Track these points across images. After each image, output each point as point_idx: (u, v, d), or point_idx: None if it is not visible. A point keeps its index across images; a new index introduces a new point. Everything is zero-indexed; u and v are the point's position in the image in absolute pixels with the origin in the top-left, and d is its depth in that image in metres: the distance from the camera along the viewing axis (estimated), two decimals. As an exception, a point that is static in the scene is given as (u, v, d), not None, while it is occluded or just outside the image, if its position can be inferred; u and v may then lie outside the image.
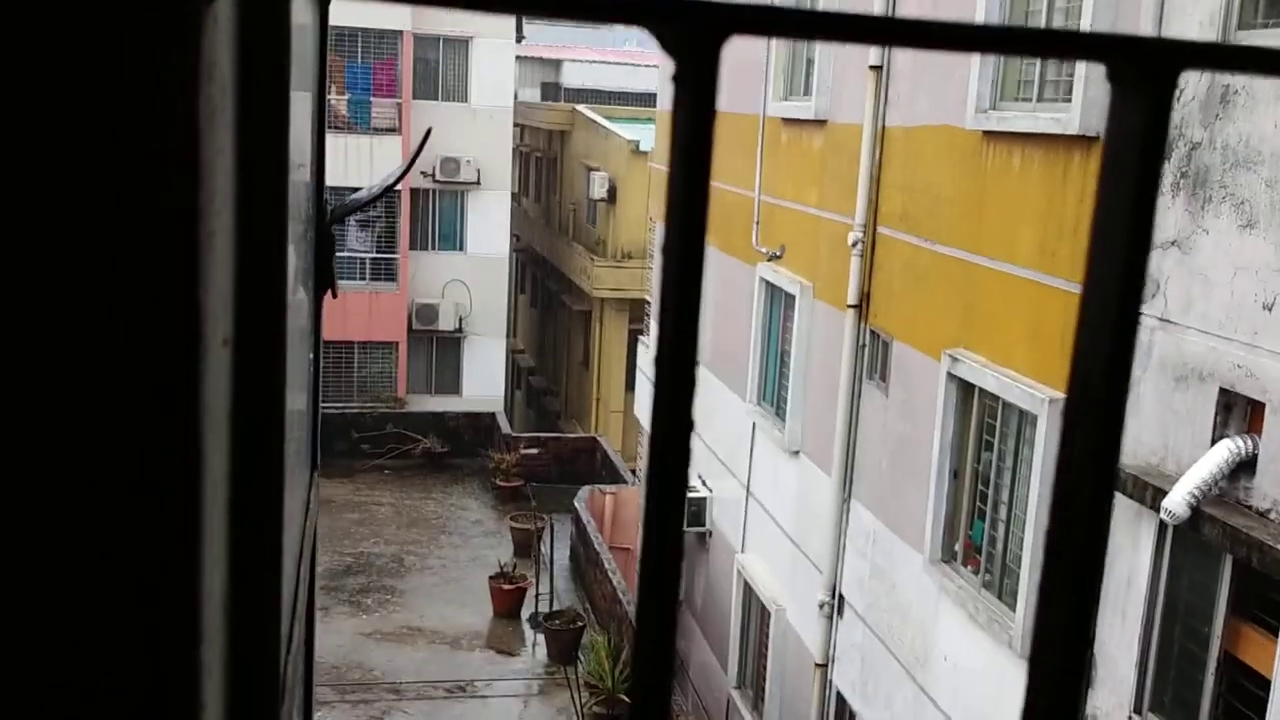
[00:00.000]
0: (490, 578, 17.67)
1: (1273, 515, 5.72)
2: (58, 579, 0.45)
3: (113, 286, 0.43)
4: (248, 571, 0.64)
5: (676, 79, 0.50)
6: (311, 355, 1.58)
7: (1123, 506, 6.72)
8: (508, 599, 17.45)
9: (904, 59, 9.65)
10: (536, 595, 17.39)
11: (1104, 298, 0.51)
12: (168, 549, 0.46)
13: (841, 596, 10.68)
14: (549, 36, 43.75)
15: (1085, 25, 7.12)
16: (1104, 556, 0.52)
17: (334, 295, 1.67)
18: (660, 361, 0.49)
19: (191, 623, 0.47)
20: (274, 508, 0.68)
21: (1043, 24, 7.85)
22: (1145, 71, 0.49)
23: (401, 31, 24.99)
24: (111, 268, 0.43)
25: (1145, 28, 6.59)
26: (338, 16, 26.29)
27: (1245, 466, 5.87)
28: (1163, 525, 6.32)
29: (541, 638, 16.68)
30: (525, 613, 17.52)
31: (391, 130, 25.20)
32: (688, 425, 0.50)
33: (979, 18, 8.29)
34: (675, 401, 0.48)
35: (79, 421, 0.43)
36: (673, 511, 0.52)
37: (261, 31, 0.60)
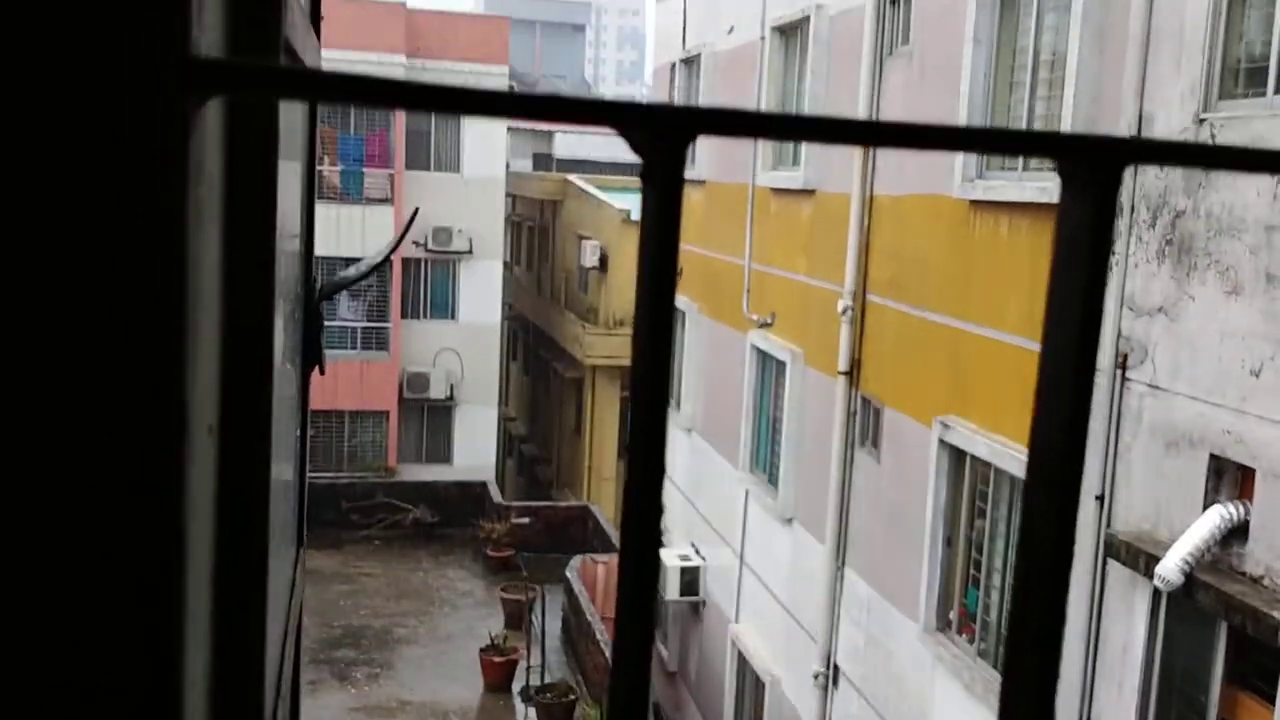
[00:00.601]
0: (481, 650, 17.45)
1: (1266, 581, 5.70)
2: (40, 668, 0.46)
3: (96, 380, 0.44)
4: (231, 658, 0.64)
5: (643, 176, 0.52)
6: (299, 431, 1.60)
7: (1116, 573, 6.70)
8: (499, 671, 17.22)
9: (890, 130, 9.80)
10: (528, 667, 17.16)
11: (1058, 384, 0.52)
12: (148, 638, 0.46)
13: (836, 666, 10.57)
14: (541, 108, 44.24)
15: (1068, 96, 7.25)
16: (1065, 609, 0.54)
17: (321, 372, 1.68)
18: (632, 460, 0.50)
19: (173, 711, 0.47)
20: (258, 594, 0.69)
21: (1026, 97, 8.00)
22: (1091, 168, 0.52)
23: (395, 104, 25.28)
24: (95, 362, 0.44)
25: (1128, 100, 6.71)
26: (332, 90, 26.53)
27: (1237, 532, 5.87)
28: (1156, 592, 6.29)
29: (533, 711, 16.42)
30: (516, 685, 17.27)
31: (384, 200, 25.41)
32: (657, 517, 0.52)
33: (963, 94, 8.45)
34: (645, 517, 0.49)
35: (61, 514, 0.45)
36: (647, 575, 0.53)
37: (250, 133, 0.62)
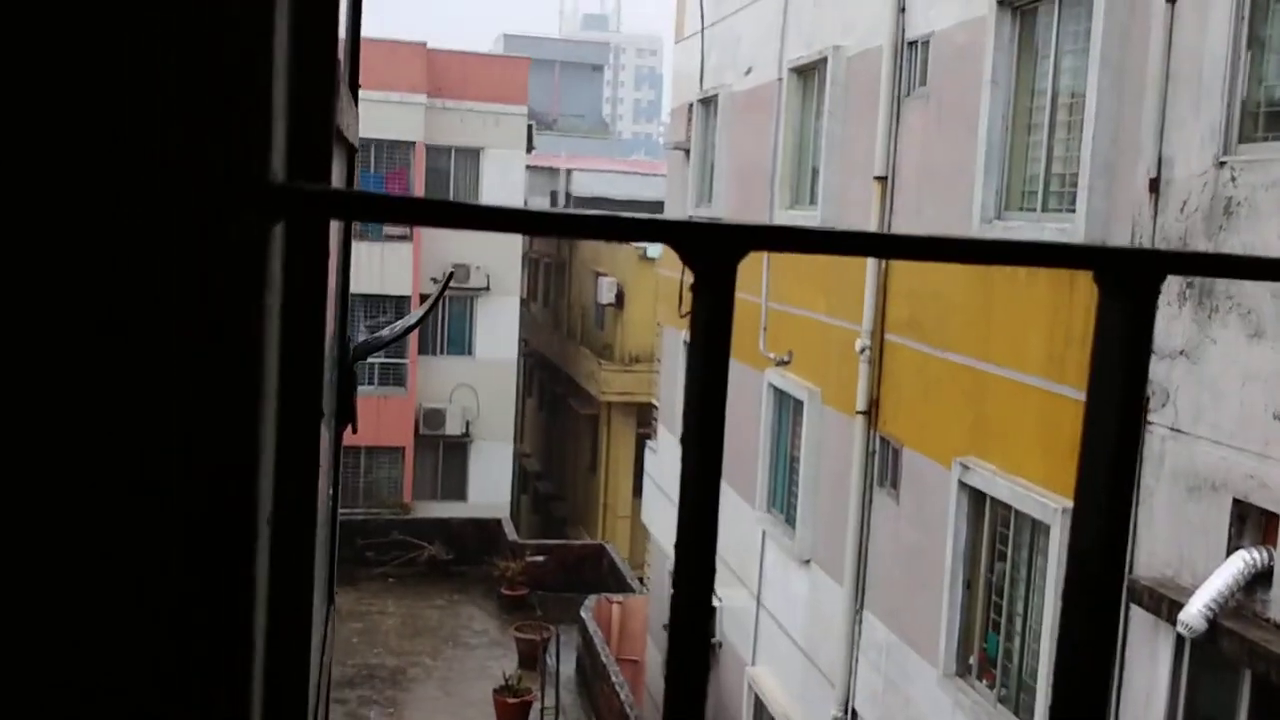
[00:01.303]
0: (494, 690, 17.35)
1: (1291, 629, 5.64)
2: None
3: (178, 475, 0.46)
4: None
5: (695, 289, 0.54)
6: (332, 490, 1.62)
7: (1139, 619, 6.64)
8: (512, 713, 17.10)
9: (909, 169, 9.84)
10: (542, 709, 17.04)
11: (1095, 490, 0.54)
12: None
13: (854, 711, 10.46)
14: (559, 146, 44.66)
15: (1087, 138, 7.27)
16: (1115, 652, 0.55)
17: (354, 431, 1.71)
18: (679, 558, 0.51)
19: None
20: (300, 681, 0.70)
21: (1044, 139, 8.02)
22: (1128, 279, 0.53)
23: (414, 142, 25.55)
24: (180, 458, 0.46)
25: (1147, 143, 6.73)
26: (353, 129, 26.69)
27: (1262, 578, 5.81)
28: (1180, 639, 6.23)
29: (548, 751, 16.30)
30: (531, 725, 17.15)
31: (403, 238, 25.59)
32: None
33: (981, 135, 8.48)
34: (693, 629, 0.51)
35: (147, 602, 0.46)
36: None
37: (304, 247, 0.64)
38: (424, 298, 26.08)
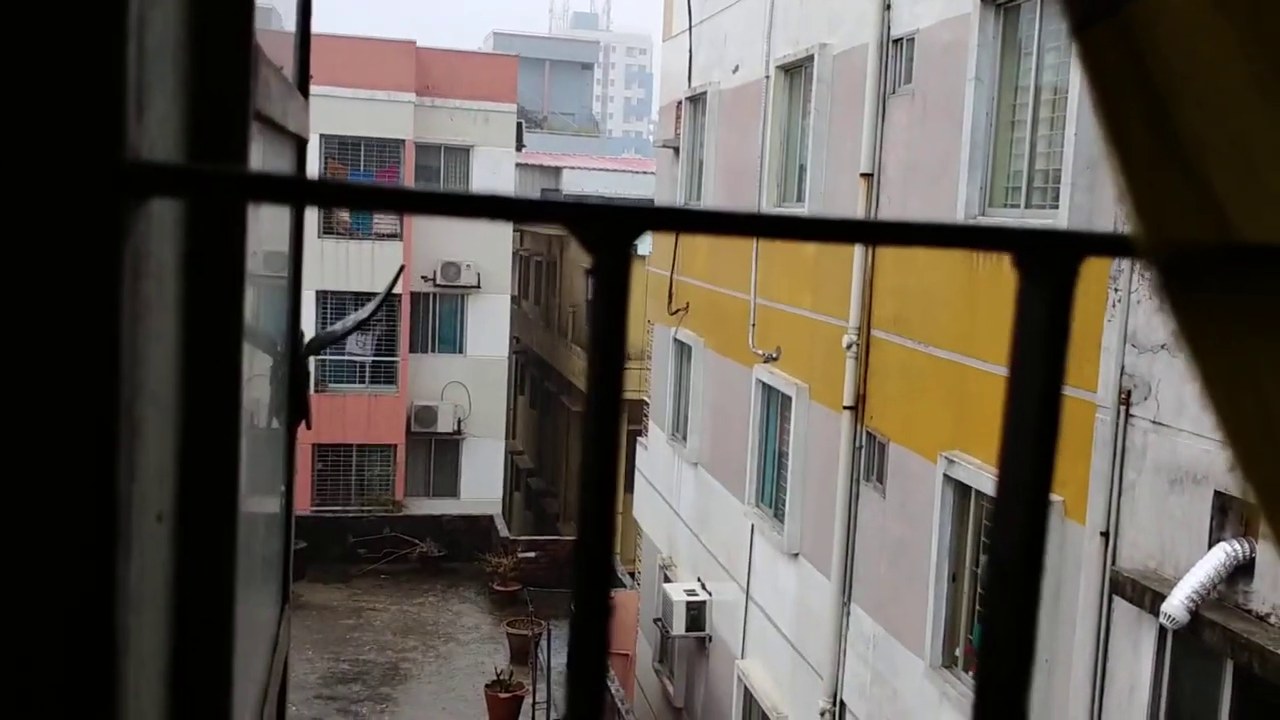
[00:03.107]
0: (486, 686, 17.35)
1: (1272, 619, 5.65)
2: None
3: (27, 473, 0.44)
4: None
5: (591, 273, 0.52)
6: (284, 487, 1.59)
7: (1122, 611, 6.65)
8: (504, 708, 17.10)
9: (894, 165, 9.83)
10: (534, 704, 17.05)
11: (1016, 479, 0.52)
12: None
13: (843, 703, 10.47)
14: (549, 145, 44.62)
15: (1070, 134, 7.27)
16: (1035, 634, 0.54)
17: (308, 426, 1.68)
18: (578, 553, 0.50)
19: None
20: (222, 675, 0.68)
21: (1027, 135, 8.02)
22: (1047, 261, 0.51)
23: (404, 140, 25.49)
24: (25, 455, 0.44)
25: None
26: (341, 125, 26.59)
27: (1243, 570, 5.82)
28: (1163, 630, 6.24)
29: (539, 748, 16.30)
30: (522, 722, 17.15)
31: (393, 236, 25.53)
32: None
33: (965, 132, 8.48)
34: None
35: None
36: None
37: (211, 228, 0.62)
38: (415, 295, 26.04)
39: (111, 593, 0.45)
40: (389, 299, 25.17)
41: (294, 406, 1.54)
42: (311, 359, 1.98)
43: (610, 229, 0.48)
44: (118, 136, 0.45)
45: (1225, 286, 0.49)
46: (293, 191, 0.43)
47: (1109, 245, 0.53)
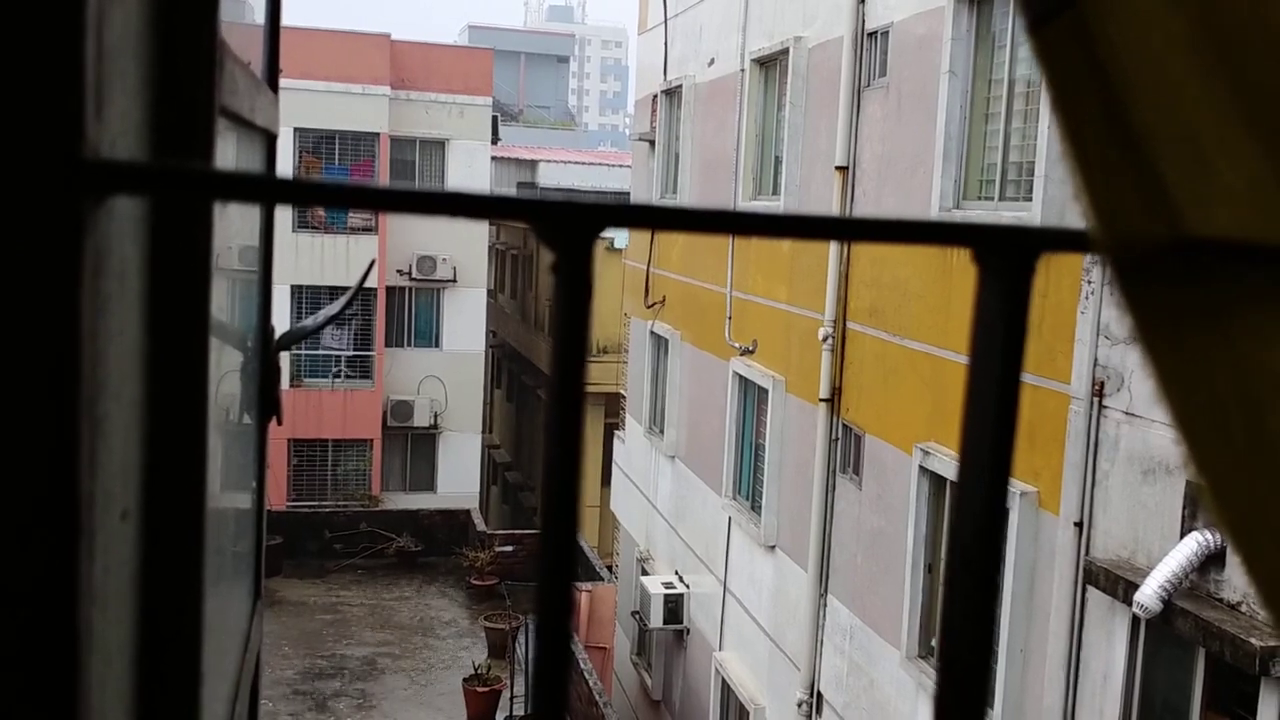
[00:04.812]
0: (464, 680, 17.33)
1: (1243, 608, 5.72)
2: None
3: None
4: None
5: (554, 269, 0.52)
6: (255, 483, 1.59)
7: (1095, 600, 6.71)
8: (482, 702, 17.09)
9: (869, 158, 9.87)
10: (511, 697, 17.05)
11: (977, 468, 0.53)
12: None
13: (820, 694, 10.53)
14: (525, 138, 44.49)
15: (1044, 127, 7.32)
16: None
17: (279, 423, 1.68)
18: (544, 546, 0.50)
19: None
20: (191, 670, 0.68)
21: (1001, 128, 8.06)
22: (1005, 256, 0.52)
23: (379, 134, 25.37)
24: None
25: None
26: (315, 119, 26.42)
27: (1215, 559, 5.89)
28: (1136, 619, 6.30)
29: (517, 741, 16.30)
30: (500, 716, 17.15)
31: (367, 230, 25.41)
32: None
33: (939, 124, 8.51)
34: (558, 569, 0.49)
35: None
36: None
37: (175, 225, 0.62)
38: (390, 290, 25.94)
39: (74, 590, 0.45)
40: (361, 293, 25.06)
41: (265, 402, 1.54)
42: (284, 354, 1.97)
43: (571, 225, 0.48)
44: (76, 134, 0.44)
45: (1178, 281, 0.49)
46: (254, 189, 0.43)
47: (1066, 241, 0.54)
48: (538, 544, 0.50)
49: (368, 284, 24.87)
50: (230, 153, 1.10)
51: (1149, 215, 0.49)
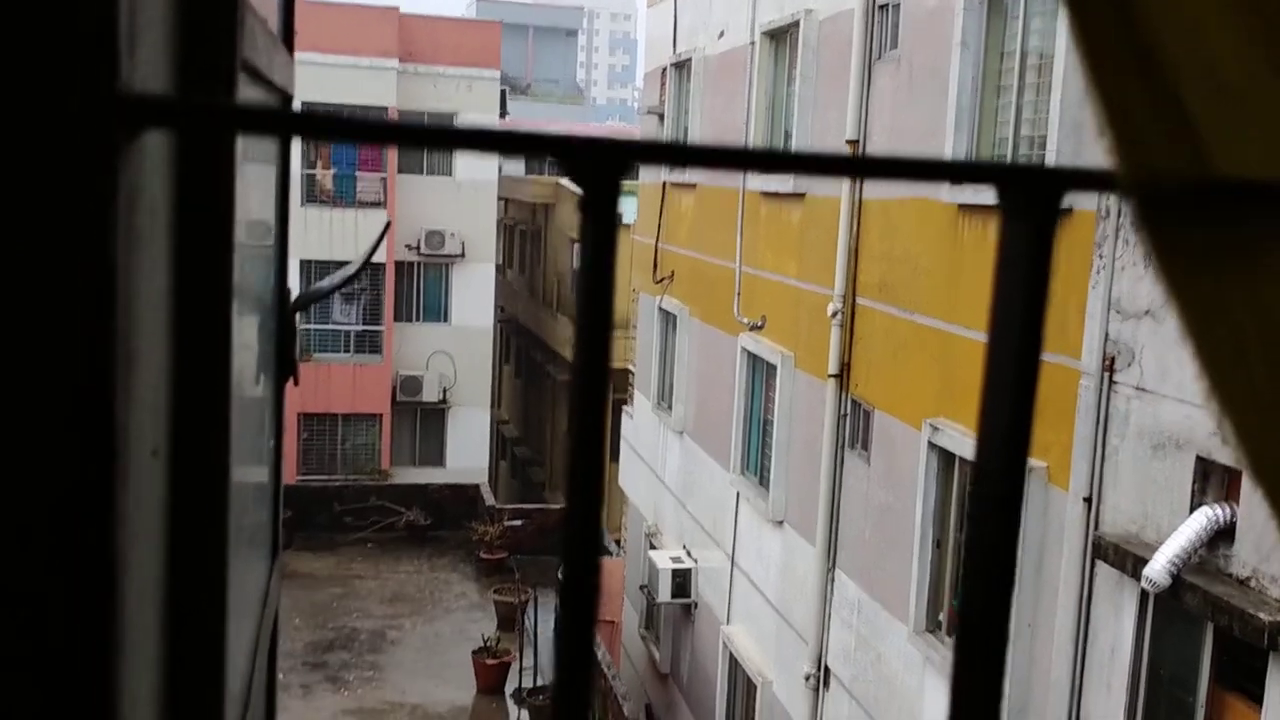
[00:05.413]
0: (474, 652, 17.45)
1: (1252, 583, 5.72)
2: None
3: (23, 413, 0.45)
4: (186, 678, 0.64)
5: (582, 206, 0.53)
6: (273, 441, 1.60)
7: (1104, 575, 6.72)
8: (491, 674, 17.21)
9: (880, 131, 9.82)
10: (520, 670, 17.16)
11: (998, 416, 0.53)
12: (80, 655, 0.47)
13: (827, 668, 10.58)
14: (533, 112, 44.34)
15: (1055, 100, 7.27)
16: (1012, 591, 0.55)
17: (295, 383, 1.69)
18: (571, 472, 0.51)
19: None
20: (216, 612, 0.69)
21: (1013, 100, 8.01)
22: (1029, 196, 0.52)
23: (387, 108, 25.30)
24: (21, 395, 0.45)
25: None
26: (324, 93, 26.34)
27: (1224, 534, 5.89)
28: (1144, 594, 6.31)
29: (526, 713, 16.42)
30: (509, 688, 17.27)
31: (377, 204, 25.39)
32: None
33: (950, 97, 8.47)
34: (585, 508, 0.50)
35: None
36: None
37: (202, 162, 0.62)
38: (399, 265, 25.95)
39: (111, 518, 0.46)
40: (371, 263, 25.06)
41: (282, 362, 1.55)
42: (298, 315, 1.98)
43: (600, 161, 0.48)
44: (112, 70, 0.45)
45: (1202, 219, 0.49)
46: (280, 123, 0.44)
47: (1091, 180, 0.54)
48: (565, 496, 0.51)
49: (376, 259, 24.88)
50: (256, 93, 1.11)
51: (1174, 153, 0.49)
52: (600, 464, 0.53)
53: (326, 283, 3.18)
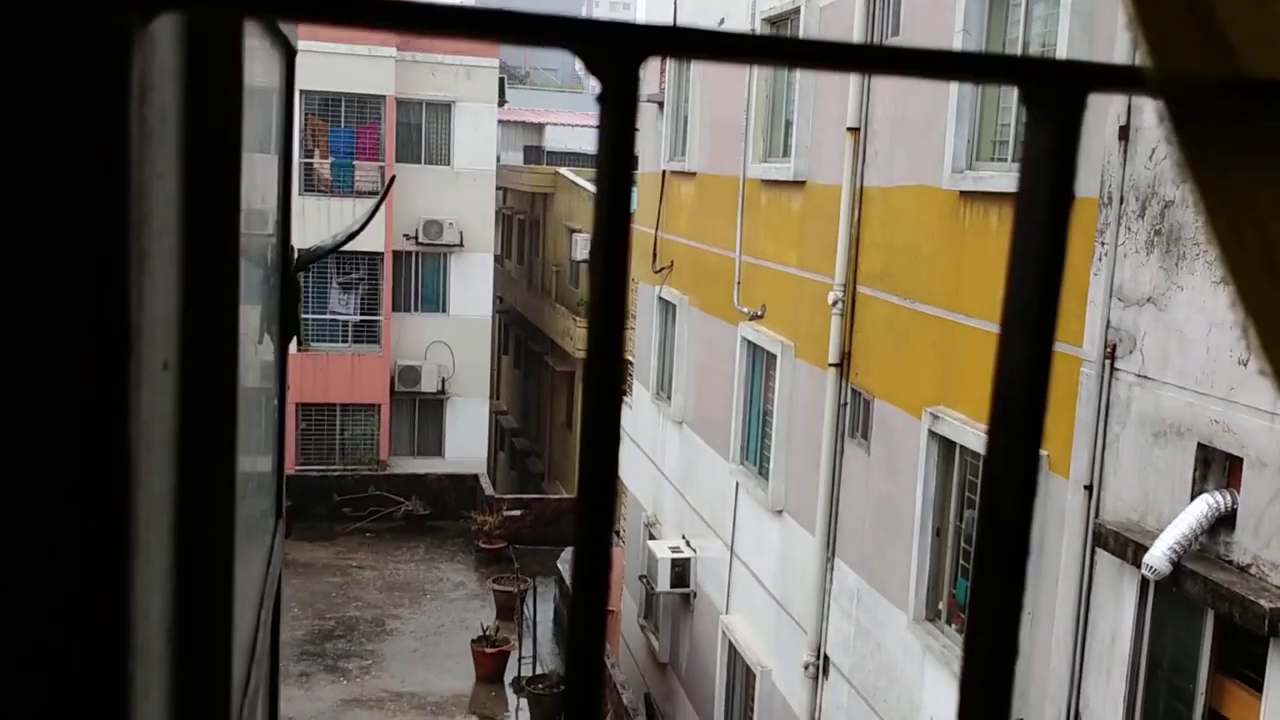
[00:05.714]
0: (473, 641, 17.46)
1: (1253, 570, 5.72)
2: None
3: (36, 303, 0.44)
4: (195, 586, 0.63)
5: (600, 98, 0.51)
6: (277, 402, 1.59)
7: (1105, 562, 6.72)
8: (490, 663, 17.23)
9: (881, 121, 9.80)
10: (520, 659, 17.18)
11: (1021, 321, 0.52)
12: (94, 563, 0.46)
13: (826, 657, 10.59)
14: (532, 101, 44.26)
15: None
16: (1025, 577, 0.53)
17: (299, 345, 1.68)
18: (588, 377, 0.50)
19: (121, 638, 0.47)
20: (224, 524, 0.68)
21: (1015, 97, 7.99)
22: (1056, 92, 0.51)
23: (384, 96, 25.25)
24: (35, 284, 0.44)
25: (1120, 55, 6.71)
26: (321, 81, 26.30)
27: (1225, 521, 5.88)
28: (1145, 581, 6.31)
29: (525, 702, 16.44)
30: (508, 677, 17.29)
31: (374, 193, 25.34)
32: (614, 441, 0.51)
33: (953, 84, 8.44)
34: (603, 413, 0.49)
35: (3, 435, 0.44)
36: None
37: (210, 57, 0.61)
38: (396, 255, 25.92)
39: (124, 416, 0.45)
40: (371, 250, 25.02)
41: (286, 320, 1.54)
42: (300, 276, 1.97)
43: (619, 48, 0.47)
44: None
45: (1230, 118, 0.49)
46: (288, 6, 0.43)
47: (1118, 76, 0.53)
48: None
49: (374, 248, 24.84)
50: (255, 59, 1.09)
51: (1203, 52, 0.48)
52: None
53: (329, 240, 3.17)
